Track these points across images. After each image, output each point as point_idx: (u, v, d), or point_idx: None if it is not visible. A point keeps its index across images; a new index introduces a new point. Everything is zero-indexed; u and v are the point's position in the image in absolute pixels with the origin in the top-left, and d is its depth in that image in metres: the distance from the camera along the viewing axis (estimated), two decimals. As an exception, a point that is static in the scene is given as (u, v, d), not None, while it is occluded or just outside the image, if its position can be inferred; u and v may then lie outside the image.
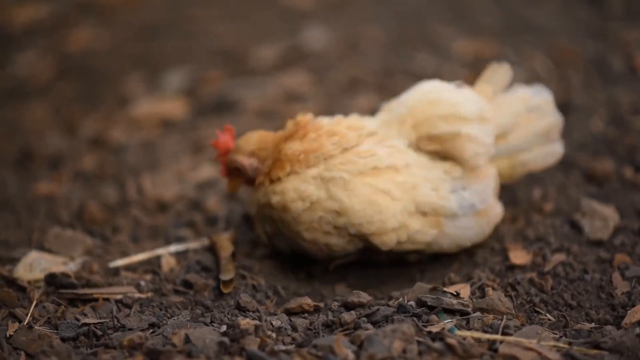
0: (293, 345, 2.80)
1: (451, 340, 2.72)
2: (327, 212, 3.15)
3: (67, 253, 3.49)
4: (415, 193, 3.16)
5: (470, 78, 4.81)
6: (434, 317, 2.88)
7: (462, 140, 3.18)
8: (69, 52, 6.05)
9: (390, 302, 3.05)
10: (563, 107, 4.41)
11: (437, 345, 2.72)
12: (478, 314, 2.92)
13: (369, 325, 2.87)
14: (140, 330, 2.93)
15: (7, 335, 2.91)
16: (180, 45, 5.83)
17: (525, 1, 6.07)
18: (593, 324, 2.96)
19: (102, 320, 3.01)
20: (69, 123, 5.05)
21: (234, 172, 3.36)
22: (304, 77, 5.19)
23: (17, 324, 2.99)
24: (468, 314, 2.92)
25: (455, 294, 3.02)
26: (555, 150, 3.44)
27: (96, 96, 5.37)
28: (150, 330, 2.94)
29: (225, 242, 3.39)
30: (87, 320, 3.00)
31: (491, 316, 2.91)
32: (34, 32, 6.41)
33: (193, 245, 3.52)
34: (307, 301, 3.08)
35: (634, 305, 2.99)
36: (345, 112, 4.66)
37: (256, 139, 3.33)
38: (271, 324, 2.92)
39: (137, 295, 3.20)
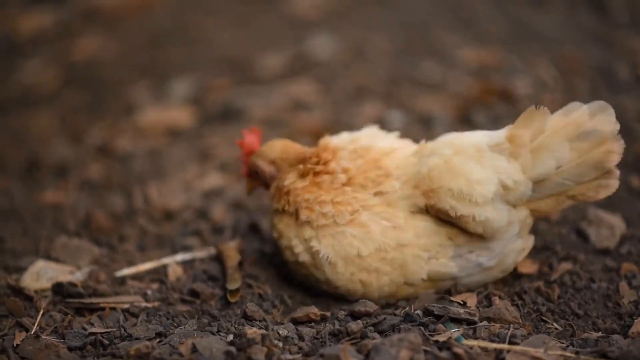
0: (300, 355, 2.80)
1: (458, 350, 2.72)
2: (312, 274, 3.18)
3: (74, 262, 3.49)
4: (405, 270, 3.09)
5: (476, 87, 4.82)
6: (440, 326, 2.88)
7: (470, 222, 3.01)
8: (74, 60, 6.06)
9: (397, 311, 3.05)
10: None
11: (444, 354, 2.71)
12: (485, 323, 2.92)
13: (376, 335, 2.87)
14: (147, 340, 2.93)
15: (14, 345, 2.91)
16: (186, 54, 5.85)
17: (530, 9, 6.07)
18: (600, 333, 2.95)
19: (109, 330, 3.02)
20: (75, 131, 5.06)
21: (254, 174, 3.38)
22: (310, 85, 5.19)
23: (24, 333, 2.99)
24: (475, 323, 2.91)
25: (461, 303, 3.02)
26: (609, 183, 3.01)
27: (102, 105, 5.38)
28: (157, 340, 2.94)
29: (231, 251, 3.39)
30: (94, 330, 3.00)
31: (498, 325, 2.91)
32: (39, 41, 6.43)
33: (199, 254, 3.52)
34: (313, 310, 3.08)
35: (641, 314, 3.00)
36: (351, 121, 4.69)
37: (280, 148, 3.35)
38: (278, 333, 2.92)
39: (144, 304, 3.20)
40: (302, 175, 3.22)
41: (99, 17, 6.64)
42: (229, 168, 4.39)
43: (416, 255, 3.07)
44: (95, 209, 3.99)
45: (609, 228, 3.44)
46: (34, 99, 5.61)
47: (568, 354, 2.73)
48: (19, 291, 3.25)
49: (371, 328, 2.92)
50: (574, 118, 2.95)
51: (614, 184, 3.01)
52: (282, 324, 3.05)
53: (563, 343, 2.84)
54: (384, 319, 2.95)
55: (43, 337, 2.96)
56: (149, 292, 3.29)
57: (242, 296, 3.22)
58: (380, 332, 2.90)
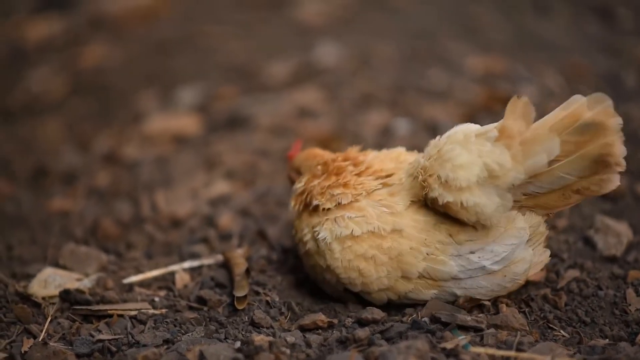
0: (307, 362, 2.81)
1: (465, 357, 2.72)
2: (317, 264, 3.19)
3: (82, 269, 3.50)
4: (401, 260, 3.05)
5: (482, 95, 4.82)
6: (448, 333, 2.88)
7: (460, 210, 2.96)
8: (81, 68, 6.08)
9: (404, 319, 3.05)
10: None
11: (452, 361, 2.72)
12: (492, 330, 2.92)
13: (383, 342, 2.87)
14: (155, 347, 2.93)
15: (22, 352, 2.92)
16: (193, 62, 5.86)
17: (536, 17, 6.08)
18: (607, 340, 2.95)
19: (116, 337, 3.02)
20: (83, 139, 5.07)
21: (291, 182, 3.48)
22: (317, 93, 5.20)
23: (32, 340, 3.00)
24: (482, 330, 2.91)
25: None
26: (610, 177, 2.91)
27: (109, 112, 5.39)
28: (165, 347, 2.94)
29: (239, 259, 3.39)
30: (101, 337, 3.01)
31: (505, 332, 2.91)
32: (47, 49, 6.46)
33: (207, 261, 3.53)
34: (321, 317, 3.08)
35: (648, 322, 3.00)
36: (357, 129, 4.70)
37: (303, 156, 3.41)
38: (285, 340, 2.92)
39: (152, 311, 3.20)
40: (320, 173, 3.26)
41: (106, 25, 6.67)
42: (236, 175, 4.40)
43: (414, 248, 3.03)
44: (103, 217, 4.00)
45: (615, 236, 3.44)
46: (42, 106, 5.63)
47: (575, 361, 2.74)
48: (27, 298, 3.26)
49: (378, 335, 2.92)
50: (572, 110, 2.87)
51: (615, 178, 2.92)
52: (290, 331, 3.05)
53: (570, 350, 2.84)
54: (392, 326, 2.95)
55: (51, 343, 2.96)
56: (157, 299, 3.29)
57: (249, 303, 3.22)
58: (388, 340, 2.90)
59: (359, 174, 3.20)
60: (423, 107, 4.92)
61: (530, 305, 3.14)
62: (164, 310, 3.22)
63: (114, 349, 2.94)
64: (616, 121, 2.86)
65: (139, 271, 3.52)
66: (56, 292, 3.27)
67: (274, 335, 2.99)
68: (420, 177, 3.03)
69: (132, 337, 3.01)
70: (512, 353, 2.79)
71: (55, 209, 4.21)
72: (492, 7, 6.31)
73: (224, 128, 4.96)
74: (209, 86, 5.49)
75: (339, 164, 3.25)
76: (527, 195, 2.97)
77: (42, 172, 4.65)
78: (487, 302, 3.09)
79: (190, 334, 3.03)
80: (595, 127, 2.84)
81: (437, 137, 3.07)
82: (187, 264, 3.53)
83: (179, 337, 3.01)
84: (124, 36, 6.48)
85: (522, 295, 3.18)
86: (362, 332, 2.91)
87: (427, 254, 3.03)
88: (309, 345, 2.92)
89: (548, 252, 3.09)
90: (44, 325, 3.11)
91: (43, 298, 3.26)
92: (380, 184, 3.15)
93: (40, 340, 3.01)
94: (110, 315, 3.17)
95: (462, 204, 2.93)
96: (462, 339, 2.87)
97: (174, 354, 2.83)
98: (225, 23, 6.46)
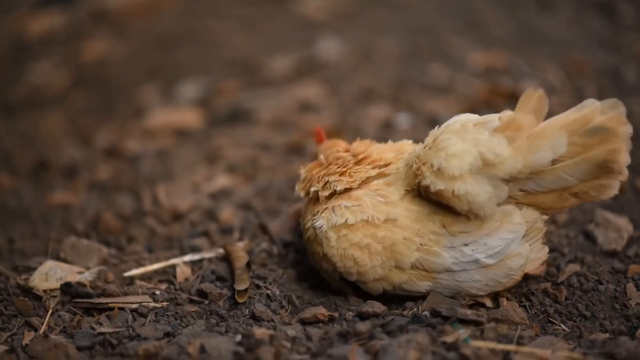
0: (308, 355, 2.81)
1: (466, 351, 2.73)
2: (316, 251, 3.19)
3: (83, 262, 3.51)
4: (394, 250, 3.04)
5: (484, 90, 4.82)
6: (448, 327, 2.88)
7: (451, 198, 2.92)
8: (83, 62, 6.09)
9: (405, 312, 3.05)
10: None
11: (452, 355, 2.72)
12: (492, 324, 2.92)
13: (384, 335, 2.87)
14: (156, 340, 2.94)
15: (23, 344, 2.93)
16: (195, 56, 5.87)
17: (538, 13, 6.08)
18: (607, 334, 2.95)
19: (117, 330, 3.03)
20: (84, 133, 5.08)
21: None
22: (318, 87, 5.20)
23: (33, 333, 3.00)
24: (482, 324, 2.91)
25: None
26: (611, 184, 2.90)
27: (111, 106, 5.40)
28: (166, 340, 2.95)
29: (239, 252, 3.40)
30: (102, 330, 3.01)
31: (505, 326, 2.91)
32: (49, 43, 6.46)
33: (208, 255, 3.53)
34: (321, 311, 3.09)
35: (648, 316, 3.00)
36: (359, 123, 4.70)
37: (325, 145, 3.43)
38: (286, 333, 2.92)
39: (153, 304, 3.21)
40: (324, 162, 3.29)
41: (107, 19, 6.67)
42: (237, 169, 4.40)
43: (407, 238, 3.02)
44: (104, 210, 4.00)
45: (616, 230, 3.45)
46: (43, 100, 5.63)
47: (576, 355, 2.74)
48: (28, 291, 3.27)
49: (379, 329, 2.92)
50: (585, 113, 2.86)
51: (615, 185, 2.90)
52: (290, 324, 3.06)
53: (571, 344, 2.84)
54: (392, 319, 2.95)
55: (52, 336, 2.97)
56: (158, 292, 3.30)
57: (250, 297, 3.23)
58: (388, 333, 2.91)
59: (357, 163, 3.20)
60: (424, 102, 4.93)
61: (531, 299, 3.14)
62: (164, 304, 3.22)
63: (114, 342, 2.95)
64: (627, 129, 2.85)
65: (140, 264, 3.52)
66: (57, 285, 3.27)
67: (274, 328, 2.99)
68: (415, 165, 3.02)
69: (133, 330, 3.02)
70: (512, 347, 2.79)
71: (57, 202, 4.21)
72: (494, 3, 6.31)
73: (226, 122, 4.97)
74: (211, 80, 5.49)
75: (338, 154, 3.27)
76: (524, 192, 2.96)
77: (43, 165, 4.65)
78: (486, 301, 3.08)
79: (191, 327, 3.03)
80: (605, 132, 2.83)
81: (436, 127, 3.06)
82: (188, 258, 3.53)
83: (179, 331, 3.02)
84: (126, 30, 6.48)
85: (523, 289, 3.18)
86: (362, 326, 2.91)
87: (421, 245, 3.01)
88: (309, 338, 2.93)
89: (546, 249, 3.07)
90: (45, 318, 3.11)
91: (44, 291, 3.26)
92: (378, 173, 3.15)
93: (41, 333, 3.02)
94: (111, 309, 3.17)
95: (453, 192, 2.90)
96: (463, 332, 2.87)
97: (174, 347, 2.83)
98: (227, 18, 6.46)
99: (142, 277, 3.44)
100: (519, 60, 5.33)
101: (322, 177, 3.23)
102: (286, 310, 3.19)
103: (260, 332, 2.87)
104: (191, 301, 3.25)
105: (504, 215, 2.97)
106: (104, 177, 4.48)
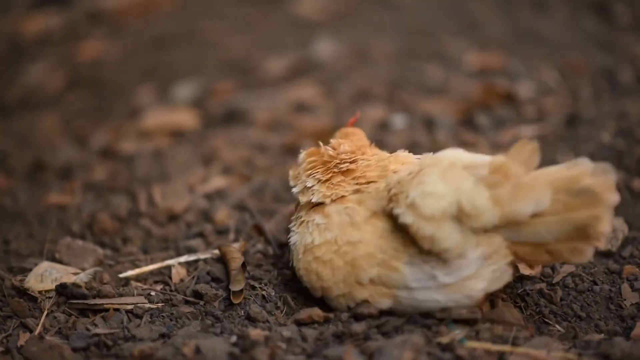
0: (303, 356, 2.81)
1: (461, 351, 2.73)
2: (291, 258, 3.22)
3: (78, 263, 3.51)
4: (355, 265, 2.99)
5: (479, 91, 4.83)
6: (443, 328, 2.88)
7: (417, 234, 2.85)
8: (79, 63, 6.09)
9: (400, 313, 3.05)
10: (572, 119, 4.44)
11: (447, 356, 2.72)
12: (488, 324, 2.92)
13: (379, 336, 2.88)
14: (151, 341, 2.94)
15: (19, 345, 2.93)
16: (191, 57, 5.87)
17: (534, 14, 6.09)
18: (602, 335, 2.95)
19: (112, 331, 3.02)
20: (80, 134, 5.08)
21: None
22: (314, 88, 5.21)
23: (28, 334, 3.00)
24: (477, 324, 2.92)
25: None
26: (585, 249, 2.78)
27: (106, 107, 5.40)
28: (161, 341, 2.95)
29: (235, 253, 3.40)
30: (97, 331, 3.01)
31: (501, 327, 2.91)
32: (44, 43, 6.46)
33: (203, 255, 3.53)
34: (316, 312, 3.08)
35: (643, 317, 3.00)
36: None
37: (341, 132, 3.41)
38: (281, 334, 2.92)
39: (148, 305, 3.21)
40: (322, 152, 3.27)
41: (103, 20, 6.67)
42: (233, 170, 4.40)
43: (369, 253, 2.97)
44: (100, 211, 4.00)
45: (611, 231, 3.45)
46: (39, 101, 5.63)
47: (571, 356, 2.74)
48: (23, 292, 3.27)
49: (374, 330, 2.92)
50: (575, 172, 2.77)
51: (589, 252, 2.79)
52: (286, 325, 3.06)
53: (565, 345, 2.85)
54: (388, 320, 2.95)
55: (47, 337, 2.97)
56: (153, 293, 3.30)
57: (245, 297, 3.23)
58: (384, 334, 2.91)
59: (343, 173, 3.18)
60: (420, 102, 4.93)
61: (526, 299, 3.14)
62: (160, 305, 3.22)
63: (110, 343, 2.95)
64: (613, 197, 2.76)
65: (135, 265, 3.53)
66: (52, 286, 3.27)
67: (270, 329, 2.99)
68: (394, 190, 2.96)
69: (128, 331, 3.02)
70: (507, 348, 2.80)
71: (52, 203, 4.21)
72: (490, 3, 6.31)
73: (221, 123, 4.97)
74: (207, 81, 5.49)
75: (335, 152, 3.23)
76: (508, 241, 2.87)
77: (39, 166, 4.65)
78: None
79: (186, 328, 3.03)
80: (590, 195, 2.74)
81: (429, 154, 3.02)
82: (184, 259, 3.53)
83: (175, 332, 3.01)
84: (121, 31, 6.48)
85: (518, 290, 3.19)
86: (358, 327, 2.91)
87: (382, 260, 2.96)
88: (305, 339, 2.93)
89: (510, 272, 2.92)
90: (40, 319, 3.11)
91: (39, 292, 3.26)
92: (354, 190, 3.11)
93: (36, 334, 3.02)
94: (107, 310, 3.17)
95: (419, 229, 2.84)
96: (458, 333, 2.87)
97: (170, 348, 2.83)
98: (223, 18, 6.46)
99: (138, 278, 3.44)
100: (514, 60, 5.33)
101: (307, 174, 3.23)
102: (281, 311, 3.19)
103: (255, 333, 2.87)
104: (186, 302, 3.25)
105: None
106: (100, 177, 4.48)
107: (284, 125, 4.84)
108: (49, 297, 3.24)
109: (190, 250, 3.60)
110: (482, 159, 2.88)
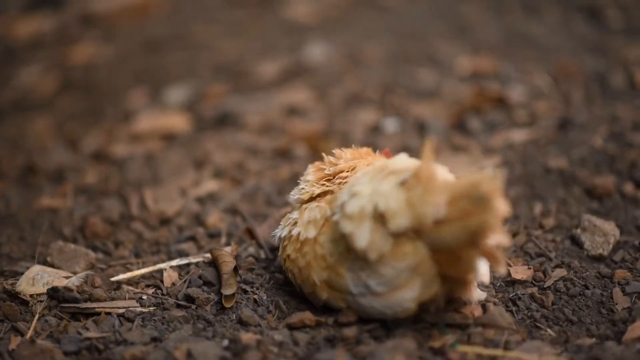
0: (295, 360, 2.82)
1: (453, 356, 2.73)
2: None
3: (70, 267, 3.50)
4: (310, 266, 3.03)
5: (471, 94, 4.83)
6: (435, 332, 2.89)
7: (341, 233, 2.89)
8: (71, 66, 6.08)
9: (392, 317, 3.05)
10: (564, 123, 4.44)
11: (439, 360, 2.73)
12: (479, 329, 2.93)
13: (371, 340, 2.88)
14: (143, 345, 2.93)
15: (10, 349, 2.92)
16: (183, 60, 5.86)
17: (525, 17, 6.09)
18: (594, 339, 2.96)
19: (104, 335, 3.02)
20: (72, 137, 5.07)
21: None
22: (306, 92, 5.21)
23: (19, 338, 3.00)
24: (469, 328, 2.92)
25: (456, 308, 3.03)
26: (471, 256, 2.76)
27: (99, 110, 5.39)
28: (153, 345, 2.95)
29: (227, 257, 3.40)
30: (89, 335, 3.01)
31: (492, 331, 2.92)
32: (36, 46, 6.45)
33: (195, 259, 3.53)
34: (308, 316, 3.08)
35: (634, 321, 2.99)
36: (347, 128, 4.71)
37: (355, 153, 3.33)
38: (273, 338, 2.92)
39: (139, 309, 3.20)
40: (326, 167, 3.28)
41: (96, 23, 6.66)
42: (225, 174, 4.40)
43: (321, 256, 3.01)
44: (92, 215, 3.99)
45: (603, 235, 3.46)
46: (31, 104, 5.62)
47: (562, 360, 2.75)
48: (14, 296, 3.26)
49: (366, 334, 2.93)
50: (477, 178, 2.71)
51: (469, 291, 2.88)
52: (277, 329, 3.06)
53: (557, 349, 2.85)
54: (379, 324, 2.96)
55: (38, 341, 2.96)
56: (145, 297, 3.29)
57: (237, 301, 3.23)
58: (375, 338, 2.91)
59: (332, 175, 3.22)
60: (412, 106, 4.93)
61: (517, 304, 3.15)
62: (151, 309, 3.22)
63: (101, 347, 2.94)
64: (500, 204, 2.67)
65: (127, 269, 3.52)
66: (44, 289, 3.27)
67: (261, 333, 2.99)
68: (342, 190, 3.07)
69: (120, 335, 3.01)
70: (499, 352, 2.80)
71: (44, 206, 4.20)
72: (482, 7, 6.32)
73: (213, 126, 4.96)
74: (199, 84, 5.49)
75: (334, 170, 3.24)
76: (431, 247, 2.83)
77: (30, 169, 4.64)
78: None
79: (178, 332, 3.03)
80: (481, 202, 2.67)
81: (381, 162, 3.06)
82: (175, 262, 3.53)
83: (166, 335, 3.01)
84: (114, 34, 6.47)
85: (510, 294, 3.19)
86: (349, 331, 2.91)
87: (330, 264, 2.99)
88: (296, 343, 2.93)
89: (437, 281, 2.85)
90: (31, 323, 3.11)
91: (31, 296, 3.25)
92: (329, 190, 3.17)
93: (27, 338, 3.01)
94: (98, 313, 3.17)
95: (342, 227, 2.89)
96: (450, 337, 2.88)
97: (161, 352, 2.83)
98: (215, 21, 6.46)
99: (129, 281, 3.44)
100: (506, 64, 5.34)
101: (301, 179, 3.29)
102: (273, 315, 3.19)
103: (247, 337, 2.87)
104: (178, 306, 3.25)
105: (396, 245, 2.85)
106: (92, 181, 4.47)
107: (276, 128, 4.84)
108: (41, 301, 3.23)
109: (182, 254, 3.60)
110: (413, 164, 2.92)
